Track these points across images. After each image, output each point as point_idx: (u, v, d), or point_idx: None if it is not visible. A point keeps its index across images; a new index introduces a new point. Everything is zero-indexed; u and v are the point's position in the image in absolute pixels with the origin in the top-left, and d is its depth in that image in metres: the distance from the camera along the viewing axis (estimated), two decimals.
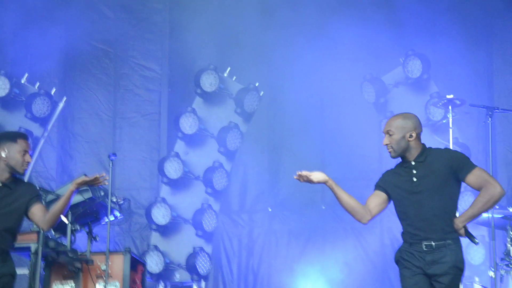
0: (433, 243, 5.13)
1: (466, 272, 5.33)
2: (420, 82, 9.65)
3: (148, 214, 9.59)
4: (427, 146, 5.35)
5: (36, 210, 5.40)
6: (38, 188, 5.73)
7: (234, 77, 10.08)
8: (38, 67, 10.01)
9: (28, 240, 6.51)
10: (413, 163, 5.27)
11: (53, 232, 7.04)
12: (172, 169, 9.65)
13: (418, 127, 5.32)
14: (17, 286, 5.56)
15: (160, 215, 9.53)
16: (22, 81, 9.68)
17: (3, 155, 5.41)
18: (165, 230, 9.60)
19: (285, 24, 9.94)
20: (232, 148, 9.87)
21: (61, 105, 9.85)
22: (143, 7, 10.29)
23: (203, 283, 9.50)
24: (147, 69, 10.32)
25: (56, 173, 10.01)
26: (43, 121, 9.72)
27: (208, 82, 9.85)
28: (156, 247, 9.44)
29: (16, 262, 5.48)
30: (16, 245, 5.58)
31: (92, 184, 5.54)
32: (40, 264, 6.43)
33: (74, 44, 10.10)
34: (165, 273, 9.44)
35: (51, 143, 10.02)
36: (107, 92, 10.28)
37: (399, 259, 5.27)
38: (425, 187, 5.19)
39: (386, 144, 5.32)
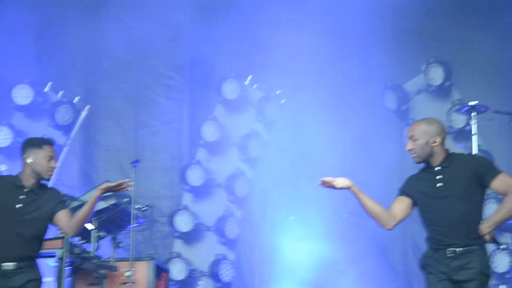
0: (457, 249, 5.09)
1: (491, 280, 5.28)
2: (442, 89, 9.65)
3: (171, 222, 9.60)
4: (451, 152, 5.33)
5: (62, 216, 5.41)
6: (62, 194, 5.74)
7: (255, 85, 10.09)
8: (62, 77, 10.08)
9: (53, 247, 6.52)
10: (437, 168, 5.23)
11: (77, 239, 7.06)
12: (194, 177, 9.67)
13: (442, 133, 5.29)
14: None
15: (183, 222, 9.55)
16: (45, 90, 9.76)
17: (29, 161, 5.43)
18: (188, 238, 9.61)
19: (307, 33, 9.95)
20: (253, 156, 9.87)
21: (83, 113, 9.91)
22: (164, 15, 10.33)
23: None
24: (168, 78, 10.35)
25: (78, 182, 10.05)
26: (65, 130, 9.78)
27: (230, 89, 9.88)
28: (179, 255, 9.44)
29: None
30: (42, 251, 5.59)
31: (116, 190, 5.56)
32: (66, 270, 6.45)
33: (97, 54, 10.15)
34: (189, 281, 9.43)
35: (73, 152, 10.06)
36: (128, 101, 10.32)
37: (424, 264, 5.23)
38: (449, 193, 5.16)
39: (410, 149, 5.29)
